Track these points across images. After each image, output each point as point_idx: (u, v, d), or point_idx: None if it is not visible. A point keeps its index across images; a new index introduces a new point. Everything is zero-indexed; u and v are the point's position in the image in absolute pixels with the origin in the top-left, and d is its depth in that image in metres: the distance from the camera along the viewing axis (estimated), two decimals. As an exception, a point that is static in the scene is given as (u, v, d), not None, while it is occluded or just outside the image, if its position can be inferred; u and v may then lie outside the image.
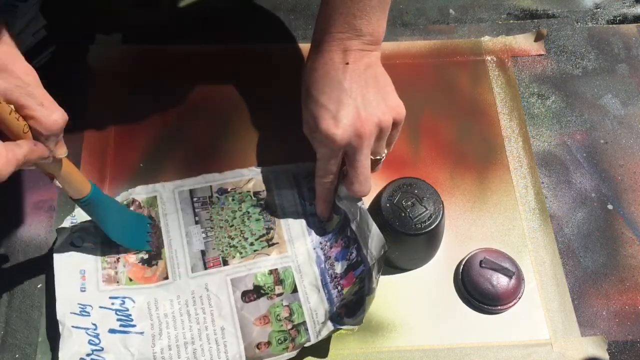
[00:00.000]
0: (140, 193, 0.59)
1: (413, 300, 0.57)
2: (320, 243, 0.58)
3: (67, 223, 0.56)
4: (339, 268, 0.56)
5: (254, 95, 0.67)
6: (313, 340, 0.52)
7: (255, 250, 0.57)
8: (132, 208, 0.58)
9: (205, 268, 0.56)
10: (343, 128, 0.52)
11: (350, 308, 0.53)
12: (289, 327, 0.53)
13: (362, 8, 0.53)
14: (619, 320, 0.56)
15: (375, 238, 0.53)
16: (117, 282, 0.55)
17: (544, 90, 0.69)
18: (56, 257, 0.54)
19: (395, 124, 0.55)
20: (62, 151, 0.45)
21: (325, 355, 0.54)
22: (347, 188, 0.55)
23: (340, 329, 0.52)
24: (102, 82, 0.67)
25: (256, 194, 0.60)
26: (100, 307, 0.53)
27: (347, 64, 0.54)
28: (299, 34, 0.72)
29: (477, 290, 0.56)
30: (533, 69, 0.71)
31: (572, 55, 0.72)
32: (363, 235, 0.54)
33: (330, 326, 0.52)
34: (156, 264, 0.56)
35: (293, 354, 0.52)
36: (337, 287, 0.55)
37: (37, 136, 0.42)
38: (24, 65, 0.41)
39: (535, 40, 0.72)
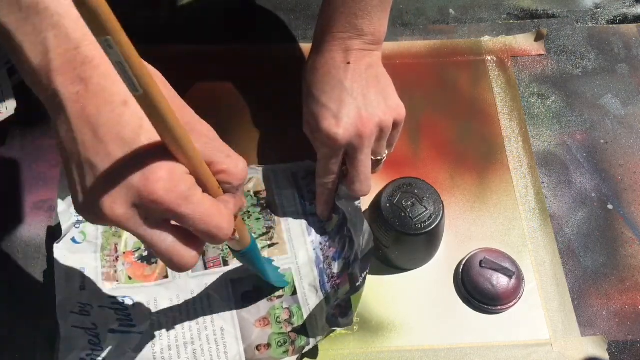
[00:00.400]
0: None
1: (413, 300, 0.57)
2: (320, 243, 0.58)
3: (71, 213, 0.56)
4: (335, 268, 0.56)
5: (253, 95, 0.67)
6: (312, 344, 0.52)
7: None
8: None
9: (206, 268, 0.56)
10: (344, 127, 0.52)
11: (343, 308, 0.53)
12: (289, 329, 0.53)
13: (364, 7, 0.53)
14: (619, 320, 0.56)
15: (366, 235, 0.53)
16: (117, 280, 0.55)
17: (544, 90, 0.69)
18: (57, 252, 0.54)
19: (395, 125, 0.55)
20: (245, 199, 0.44)
21: (325, 355, 0.54)
22: (348, 188, 0.55)
23: (335, 330, 0.52)
24: (102, 82, 0.67)
25: (257, 193, 0.60)
26: (100, 306, 0.53)
27: (349, 63, 0.54)
28: (299, 34, 0.72)
29: (477, 290, 0.56)
30: (533, 69, 0.71)
31: (572, 55, 0.72)
32: (356, 232, 0.54)
33: (326, 327, 0.52)
34: (155, 262, 0.56)
35: (293, 358, 0.52)
36: (334, 287, 0.55)
37: (227, 189, 0.40)
38: (202, 121, 0.41)
39: (535, 40, 0.72)
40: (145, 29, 0.71)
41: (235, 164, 0.40)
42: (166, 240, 0.37)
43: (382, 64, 0.57)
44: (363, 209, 0.59)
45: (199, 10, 0.73)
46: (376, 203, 0.56)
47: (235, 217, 0.42)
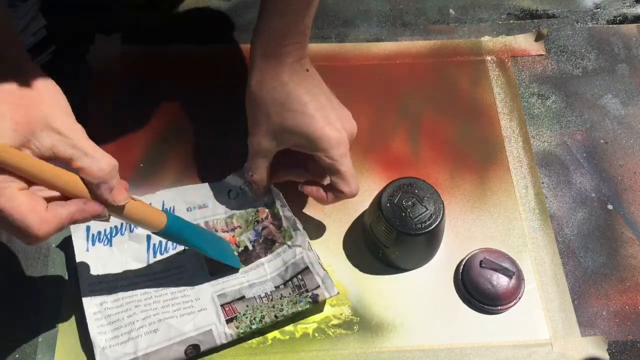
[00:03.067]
0: None
1: (413, 300, 0.57)
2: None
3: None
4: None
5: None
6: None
7: None
8: None
9: None
10: (340, 130, 0.52)
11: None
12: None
13: (302, 17, 0.53)
14: (619, 320, 0.57)
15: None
16: None
17: (544, 90, 0.69)
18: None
19: None
20: (120, 198, 0.44)
21: (326, 355, 0.54)
22: (338, 195, 0.54)
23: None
24: (102, 82, 0.67)
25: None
26: None
27: (307, 70, 0.54)
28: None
29: (477, 290, 0.56)
30: (533, 69, 0.71)
31: (572, 55, 0.72)
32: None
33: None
34: None
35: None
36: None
37: (90, 187, 0.42)
38: (68, 120, 0.42)
39: (536, 40, 0.72)
40: (145, 29, 0.71)
41: (92, 162, 0.42)
42: None
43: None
44: (364, 209, 0.60)
45: (199, 11, 0.73)
46: (377, 203, 0.56)
47: (111, 208, 0.44)
